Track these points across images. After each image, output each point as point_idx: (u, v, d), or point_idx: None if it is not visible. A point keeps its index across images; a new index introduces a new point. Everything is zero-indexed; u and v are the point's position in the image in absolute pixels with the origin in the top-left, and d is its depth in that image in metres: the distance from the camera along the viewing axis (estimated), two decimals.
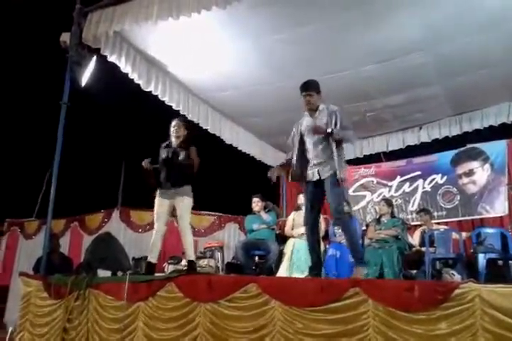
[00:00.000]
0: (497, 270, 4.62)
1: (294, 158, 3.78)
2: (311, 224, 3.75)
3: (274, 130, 7.19)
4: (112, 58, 5.15)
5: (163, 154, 4.25)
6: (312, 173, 3.67)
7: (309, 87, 3.76)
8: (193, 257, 4.17)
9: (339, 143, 3.60)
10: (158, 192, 4.26)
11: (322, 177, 3.61)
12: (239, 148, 7.19)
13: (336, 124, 3.57)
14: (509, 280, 4.35)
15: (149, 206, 7.63)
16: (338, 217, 3.57)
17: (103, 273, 4.17)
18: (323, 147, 3.63)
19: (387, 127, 7.12)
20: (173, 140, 4.29)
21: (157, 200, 4.24)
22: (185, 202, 4.15)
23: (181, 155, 4.15)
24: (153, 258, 4.14)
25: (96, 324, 3.86)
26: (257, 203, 5.78)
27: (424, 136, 6.99)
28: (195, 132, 4.48)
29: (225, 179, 9.18)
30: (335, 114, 3.63)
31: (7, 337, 4.32)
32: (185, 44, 5.24)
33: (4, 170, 6.49)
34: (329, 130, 3.53)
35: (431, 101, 6.23)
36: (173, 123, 4.35)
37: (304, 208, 5.68)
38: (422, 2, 4.43)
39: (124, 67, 5.28)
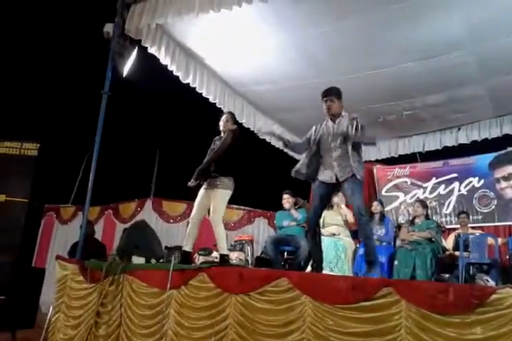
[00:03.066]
0: None
1: (306, 158, 3.85)
2: (314, 225, 3.92)
3: (307, 126, 7.13)
4: (151, 50, 5.24)
5: (212, 145, 4.35)
6: (329, 176, 3.71)
7: (331, 93, 3.81)
8: (225, 251, 4.16)
9: (358, 147, 3.70)
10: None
11: (340, 180, 3.66)
12: (272, 143, 7.18)
13: (356, 129, 3.60)
14: None
15: (182, 197, 7.76)
16: (359, 217, 3.67)
17: (136, 260, 4.25)
18: (342, 151, 3.68)
19: (425, 127, 6.98)
20: (222, 134, 4.34)
21: (200, 190, 4.28)
22: (220, 194, 4.11)
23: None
24: (188, 247, 4.17)
25: (129, 309, 3.94)
26: (287, 200, 5.73)
27: (463, 137, 6.82)
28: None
29: (257, 173, 9.18)
30: (356, 121, 3.67)
31: (47, 318, 4.46)
32: (224, 37, 5.26)
33: (45, 156, 6.70)
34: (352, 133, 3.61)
35: (472, 102, 6.06)
36: (222, 117, 4.38)
37: (334, 208, 5.73)
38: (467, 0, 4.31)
39: (164, 59, 5.37)
